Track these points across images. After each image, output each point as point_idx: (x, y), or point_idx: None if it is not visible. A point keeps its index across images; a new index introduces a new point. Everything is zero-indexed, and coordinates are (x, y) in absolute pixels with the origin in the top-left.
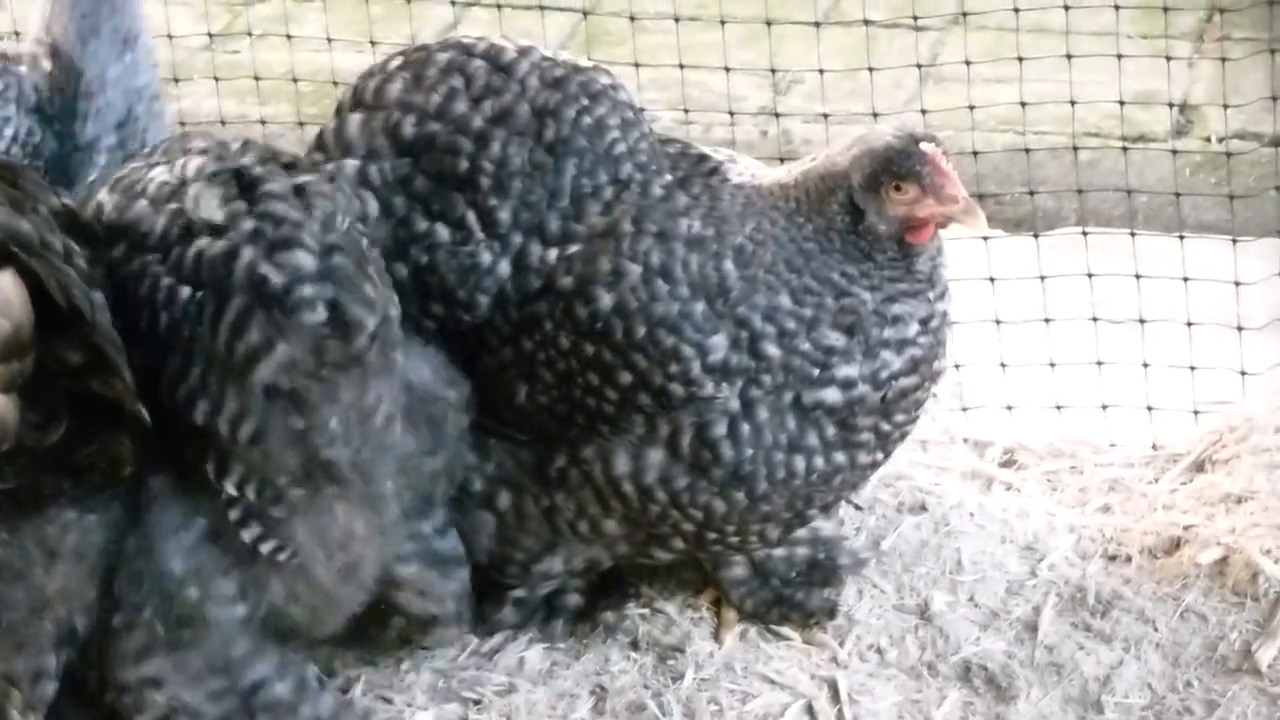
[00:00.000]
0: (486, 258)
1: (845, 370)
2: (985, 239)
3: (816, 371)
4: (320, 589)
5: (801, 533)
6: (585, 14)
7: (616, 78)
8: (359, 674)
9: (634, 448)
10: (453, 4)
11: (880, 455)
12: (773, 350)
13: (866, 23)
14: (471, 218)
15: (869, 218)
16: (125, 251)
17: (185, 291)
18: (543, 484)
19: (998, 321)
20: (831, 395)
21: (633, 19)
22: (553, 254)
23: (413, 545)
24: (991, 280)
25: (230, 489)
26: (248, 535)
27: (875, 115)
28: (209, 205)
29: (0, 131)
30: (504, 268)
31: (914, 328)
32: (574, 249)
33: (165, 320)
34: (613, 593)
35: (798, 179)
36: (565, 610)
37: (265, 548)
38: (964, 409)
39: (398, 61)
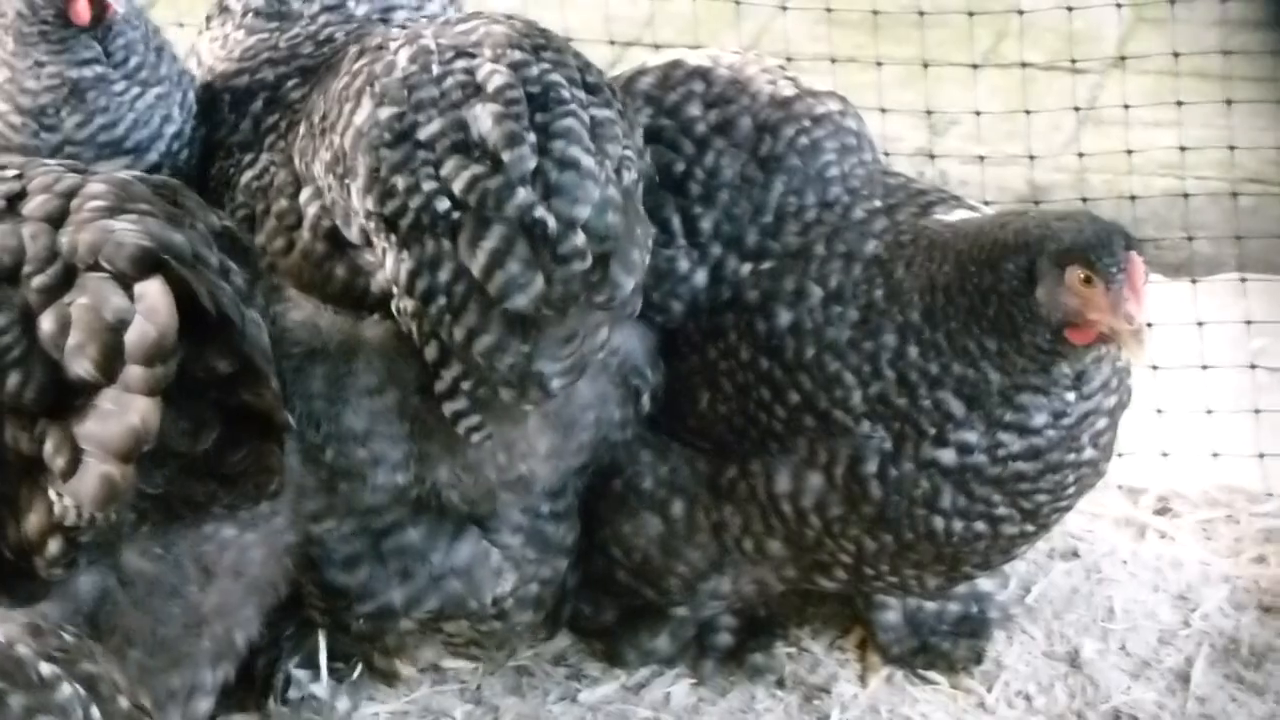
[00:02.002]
0: (684, 264)
1: (962, 435)
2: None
3: (934, 430)
4: (483, 487)
5: (959, 588)
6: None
7: (850, 105)
8: (507, 704)
9: (796, 469)
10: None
11: (1030, 527)
12: (899, 400)
13: (1024, 65)
14: (676, 222)
15: (1039, 292)
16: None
17: (444, 204)
18: (714, 495)
19: (1154, 367)
20: (946, 457)
21: (789, 60)
22: (746, 268)
23: (523, 519)
24: (1148, 325)
25: (446, 379)
26: (450, 408)
27: (1032, 158)
28: (493, 133)
29: (162, 131)
30: (700, 277)
31: (1041, 418)
32: (766, 265)
33: (413, 216)
34: (762, 633)
35: (988, 226)
36: (716, 649)
37: (464, 424)
38: (1118, 454)
39: (657, 60)
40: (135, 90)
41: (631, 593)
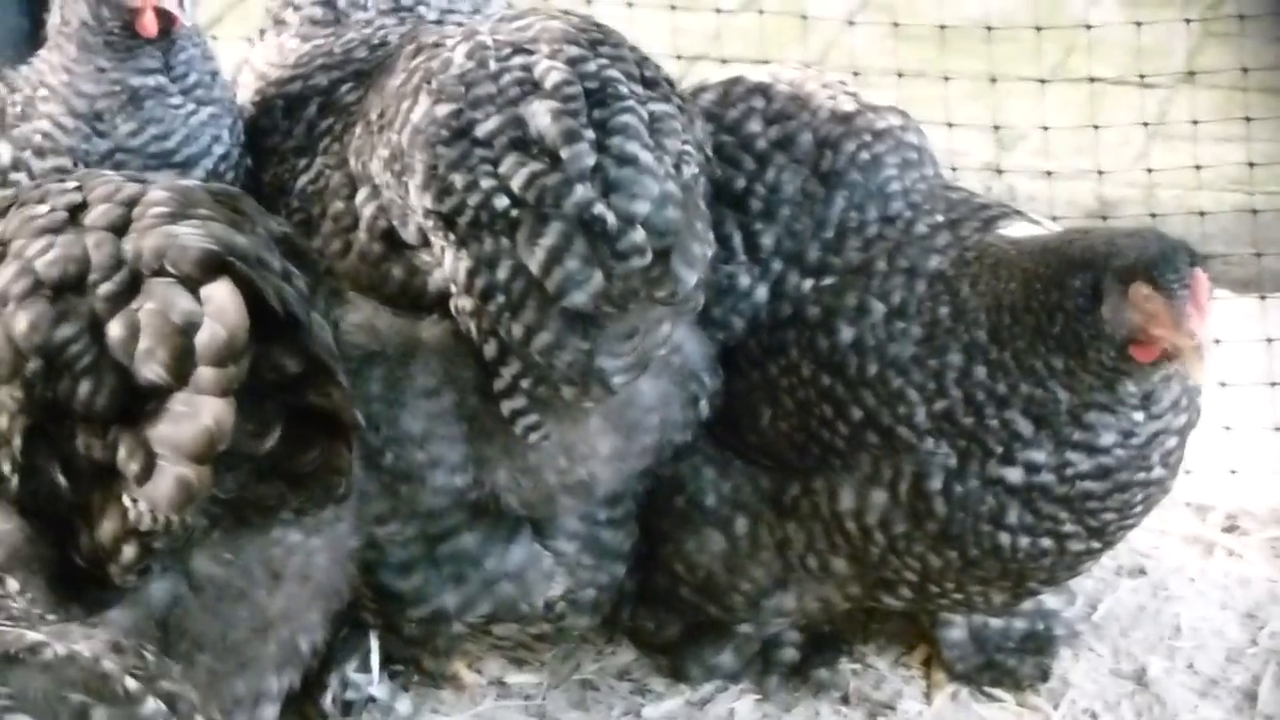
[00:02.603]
0: (745, 280)
1: (1029, 454)
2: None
3: (1000, 449)
4: (542, 489)
5: (1024, 605)
6: (807, 68)
7: (911, 120)
8: (571, 718)
9: (860, 485)
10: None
11: (1096, 544)
12: (965, 419)
13: (1092, 80)
14: (737, 238)
15: (1104, 309)
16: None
17: (502, 201)
18: (778, 512)
19: (1222, 384)
20: (1013, 475)
21: (856, 74)
22: (807, 284)
23: (580, 525)
24: (1216, 342)
25: (505, 377)
26: (508, 407)
27: (1100, 173)
28: (551, 129)
29: (211, 150)
30: (761, 293)
31: (1110, 437)
32: (828, 281)
33: (471, 214)
34: (827, 649)
35: (1055, 243)
36: (781, 665)
37: (522, 423)
38: (1186, 472)
39: (719, 78)
40: (190, 106)
41: (695, 609)
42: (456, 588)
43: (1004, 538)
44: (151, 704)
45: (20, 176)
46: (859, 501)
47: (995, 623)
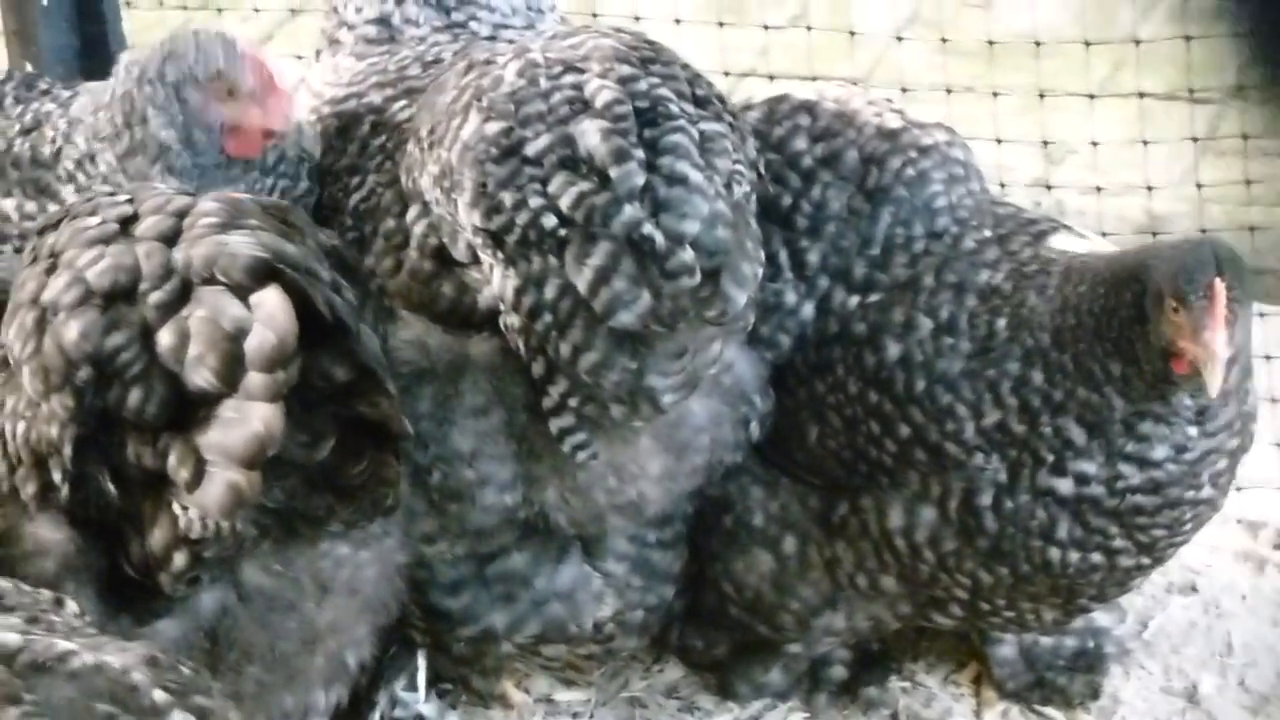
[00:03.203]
0: (791, 298)
1: (1080, 465)
2: (1261, 314)
3: (1052, 457)
4: (591, 509)
5: (1075, 623)
6: (855, 84)
7: (957, 136)
8: None
9: (908, 503)
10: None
11: (1146, 560)
12: (1017, 426)
13: (1142, 95)
14: (783, 256)
15: (1150, 323)
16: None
17: (551, 220)
18: (826, 531)
19: (1273, 400)
20: (1064, 486)
21: (903, 90)
22: (854, 301)
23: (629, 547)
24: (1267, 358)
25: (553, 396)
26: (557, 425)
27: (1150, 188)
28: (600, 149)
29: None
30: (807, 310)
31: (1162, 450)
32: (874, 298)
33: (520, 232)
34: (876, 667)
35: (1119, 254)
36: (830, 682)
37: (570, 441)
38: (1237, 489)
39: (766, 94)
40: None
41: (744, 628)
42: (506, 608)
43: (1054, 553)
44: (179, 717)
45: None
46: (908, 519)
47: (1046, 640)
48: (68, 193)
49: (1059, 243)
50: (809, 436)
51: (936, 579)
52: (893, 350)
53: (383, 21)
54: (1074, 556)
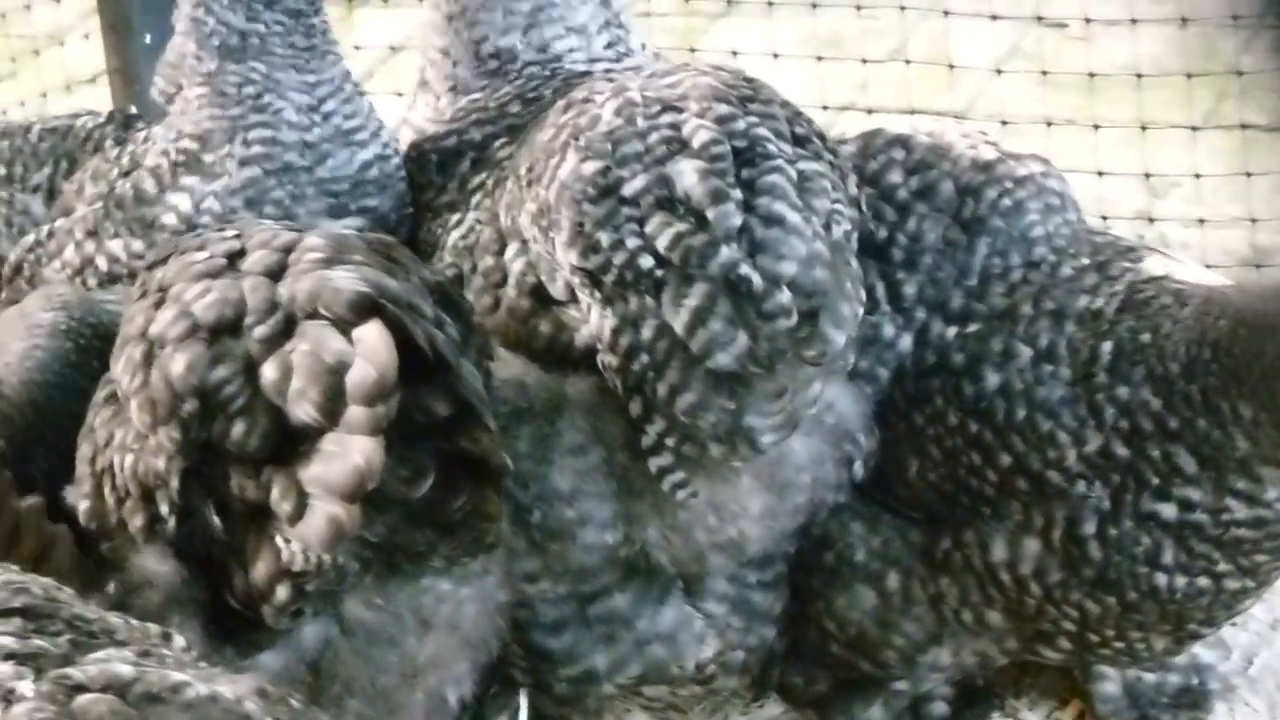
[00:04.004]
0: (889, 331)
1: (1185, 491)
2: None
3: (1157, 481)
4: (694, 549)
5: (1178, 658)
6: (958, 119)
7: (1052, 166)
8: None
9: (1012, 535)
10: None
11: (1251, 583)
12: (1121, 451)
13: (1245, 126)
14: (880, 288)
15: None
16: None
17: (647, 261)
18: (930, 567)
19: None
20: (1167, 511)
21: (1003, 123)
22: (951, 331)
23: (730, 588)
24: None
25: (651, 435)
26: (655, 464)
27: (1254, 220)
28: (697, 189)
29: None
30: (905, 343)
31: (1275, 493)
32: (972, 328)
33: (616, 273)
34: (979, 703)
35: (1254, 294)
36: (931, 719)
37: (669, 480)
38: None
39: (865, 128)
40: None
41: (846, 665)
42: (607, 648)
43: (1161, 578)
44: None
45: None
46: (1012, 551)
47: (1149, 677)
48: (170, 206)
49: (1155, 267)
50: (909, 470)
51: (1043, 612)
52: (992, 379)
53: (481, 59)
54: (1180, 582)
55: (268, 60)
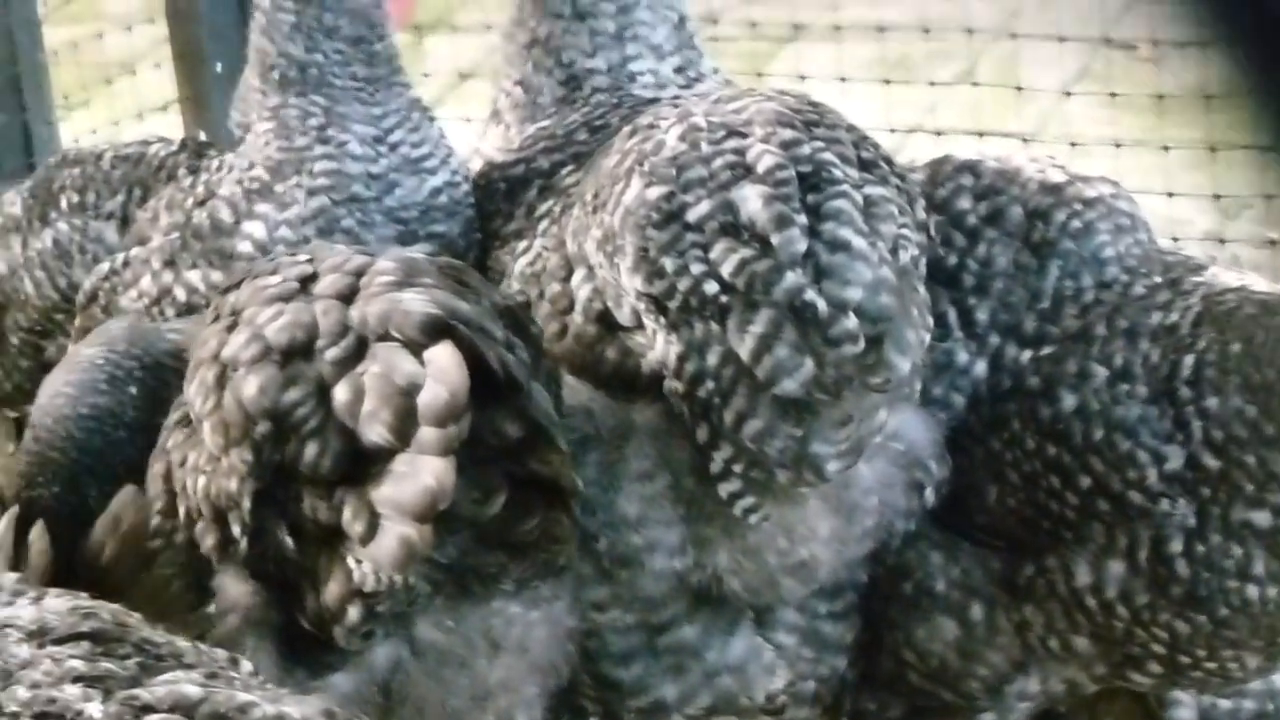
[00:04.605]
0: (963, 356)
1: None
2: None
3: (1251, 487)
4: (765, 574)
5: (1253, 684)
6: (1025, 140)
7: (1122, 188)
8: None
9: (1095, 558)
10: None
11: None
12: (1211, 462)
13: None
14: (952, 315)
15: None
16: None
17: (712, 287)
18: (1013, 595)
19: None
20: (1261, 519)
21: (1072, 145)
22: (1026, 355)
23: (800, 618)
24: None
25: (718, 461)
26: (725, 489)
27: None
28: (762, 215)
29: (448, 159)
30: (980, 368)
31: None
32: (1047, 350)
33: (681, 299)
34: None
35: None
36: None
37: (739, 505)
38: None
39: (933, 152)
40: (430, 118)
41: (926, 694)
42: (677, 679)
43: (1252, 591)
44: None
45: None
46: (1096, 575)
47: (1224, 703)
48: (245, 235)
49: (1229, 279)
50: (988, 497)
51: (1132, 635)
52: (1068, 401)
53: (549, 86)
54: (1273, 592)
55: (329, 93)
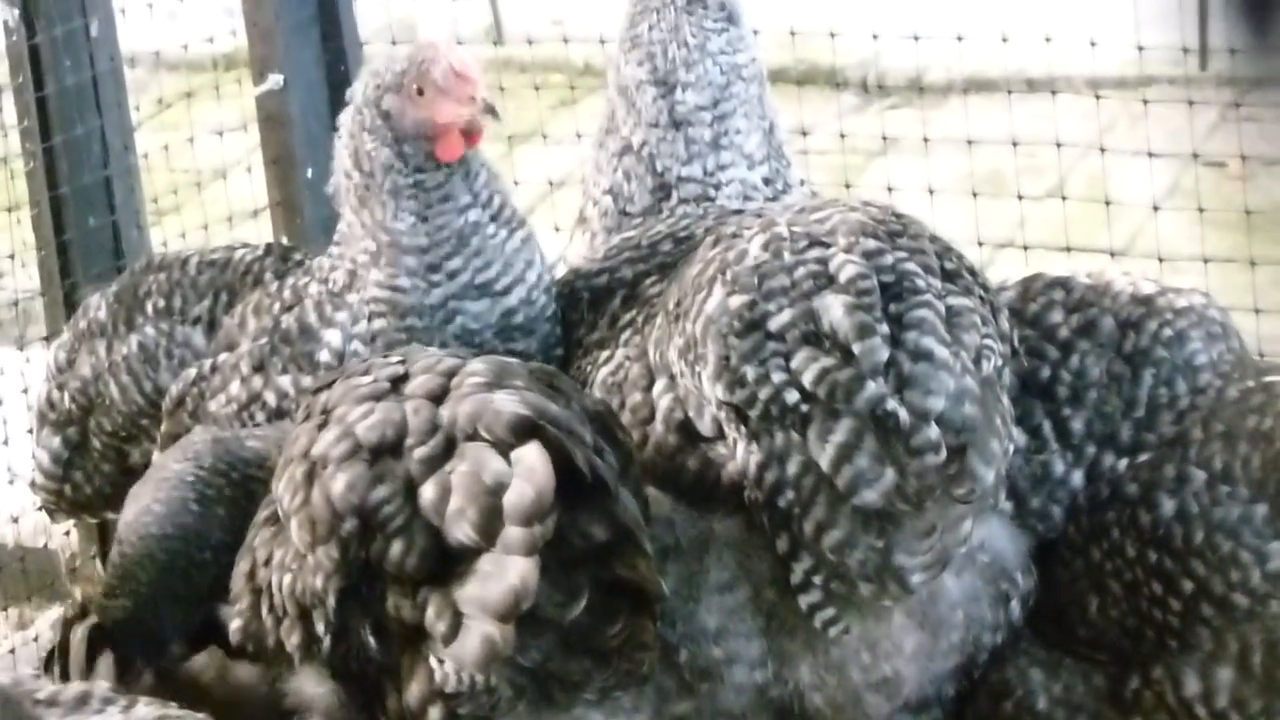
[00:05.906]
0: (1059, 467)
1: None
2: None
3: None
4: (848, 689)
5: None
6: (1113, 255)
7: (1212, 299)
8: None
9: (1203, 665)
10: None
11: None
12: None
13: None
14: (1047, 427)
15: None
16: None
17: (793, 396)
18: (1119, 709)
19: None
20: None
21: (1161, 260)
22: (1123, 463)
23: None
24: None
25: (798, 573)
26: (805, 601)
27: None
28: (844, 324)
29: (525, 276)
30: (1077, 478)
31: None
32: (1144, 457)
33: (762, 407)
34: None
35: None
36: None
37: (820, 617)
38: None
39: (1022, 268)
40: (504, 233)
41: None
42: None
43: None
44: None
45: (353, 349)
46: (1205, 683)
47: None
48: (325, 342)
49: None
50: (1090, 608)
51: None
52: (1167, 506)
53: (633, 198)
54: None
55: (385, 209)
